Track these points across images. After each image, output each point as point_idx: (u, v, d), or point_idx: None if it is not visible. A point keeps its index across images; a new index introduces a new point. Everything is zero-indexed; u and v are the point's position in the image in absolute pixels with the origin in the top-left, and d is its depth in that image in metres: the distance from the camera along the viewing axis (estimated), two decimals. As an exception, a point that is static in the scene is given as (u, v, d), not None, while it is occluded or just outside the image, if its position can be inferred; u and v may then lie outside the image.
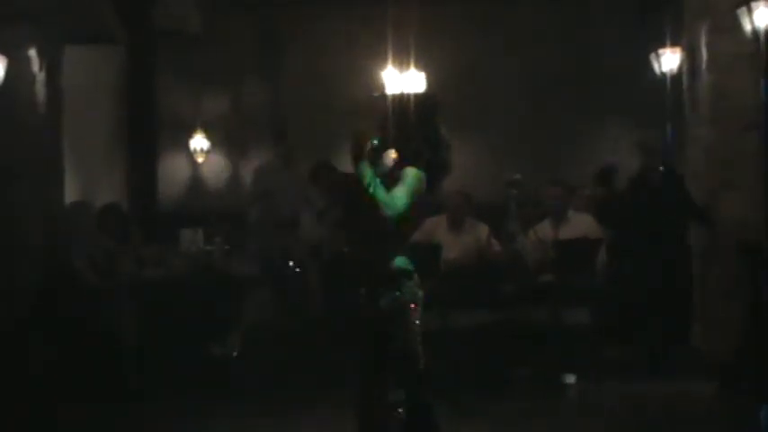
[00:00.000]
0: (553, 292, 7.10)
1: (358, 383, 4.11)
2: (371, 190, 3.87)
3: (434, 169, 4.00)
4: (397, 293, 3.99)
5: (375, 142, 3.98)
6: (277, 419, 6.18)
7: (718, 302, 7.34)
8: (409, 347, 4.00)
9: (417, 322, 4.04)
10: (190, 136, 11.84)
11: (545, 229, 7.41)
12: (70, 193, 8.29)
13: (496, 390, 6.67)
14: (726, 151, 7.40)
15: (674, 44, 9.60)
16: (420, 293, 4.08)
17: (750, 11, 6.99)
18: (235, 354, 7.09)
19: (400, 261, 4.02)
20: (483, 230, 7.38)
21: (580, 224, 7.45)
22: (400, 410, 4.05)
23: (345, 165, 4.10)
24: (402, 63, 11.10)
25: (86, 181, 10.46)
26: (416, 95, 4.06)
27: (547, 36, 11.04)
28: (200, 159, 11.92)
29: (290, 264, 7.58)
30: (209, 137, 11.85)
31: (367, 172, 3.89)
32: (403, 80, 10.13)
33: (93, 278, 6.94)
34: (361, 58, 11.18)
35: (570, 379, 7.01)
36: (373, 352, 4.03)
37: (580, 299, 7.12)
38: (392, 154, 4.06)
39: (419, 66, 11.09)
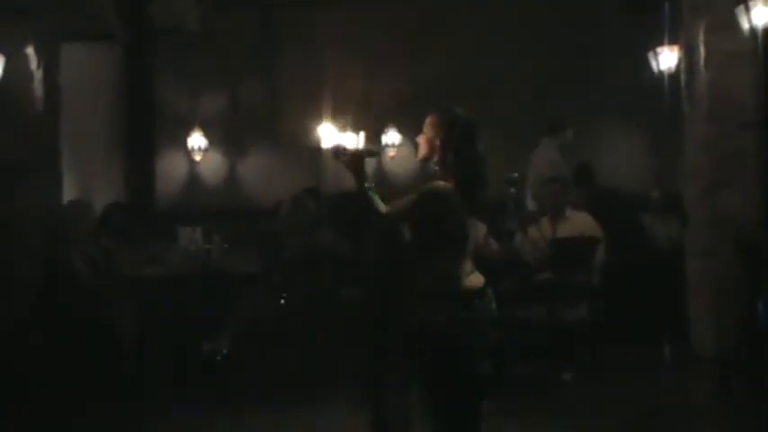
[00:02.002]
0: (552, 290, 7.10)
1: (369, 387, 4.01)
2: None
3: (472, 186, 3.93)
4: (468, 314, 3.78)
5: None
6: (277, 419, 6.19)
7: (715, 302, 7.35)
8: (472, 370, 3.85)
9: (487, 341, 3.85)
10: (188, 134, 11.82)
11: (544, 227, 7.42)
12: (68, 192, 8.26)
13: (494, 388, 6.65)
14: (724, 149, 7.41)
15: (672, 42, 9.60)
16: (493, 308, 3.90)
17: (748, 9, 7.01)
18: (225, 351, 7.06)
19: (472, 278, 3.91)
20: (480, 229, 7.34)
21: (578, 222, 7.46)
22: None
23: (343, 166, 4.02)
24: (401, 62, 11.14)
25: (85, 179, 10.45)
26: (457, 116, 3.98)
27: (545, 34, 11.04)
28: (198, 157, 11.90)
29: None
30: (207, 135, 11.83)
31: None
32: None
33: (93, 277, 6.93)
34: (361, 57, 11.21)
35: (569, 377, 7.02)
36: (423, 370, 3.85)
37: (578, 297, 7.13)
38: None
39: (419, 63, 11.13)
